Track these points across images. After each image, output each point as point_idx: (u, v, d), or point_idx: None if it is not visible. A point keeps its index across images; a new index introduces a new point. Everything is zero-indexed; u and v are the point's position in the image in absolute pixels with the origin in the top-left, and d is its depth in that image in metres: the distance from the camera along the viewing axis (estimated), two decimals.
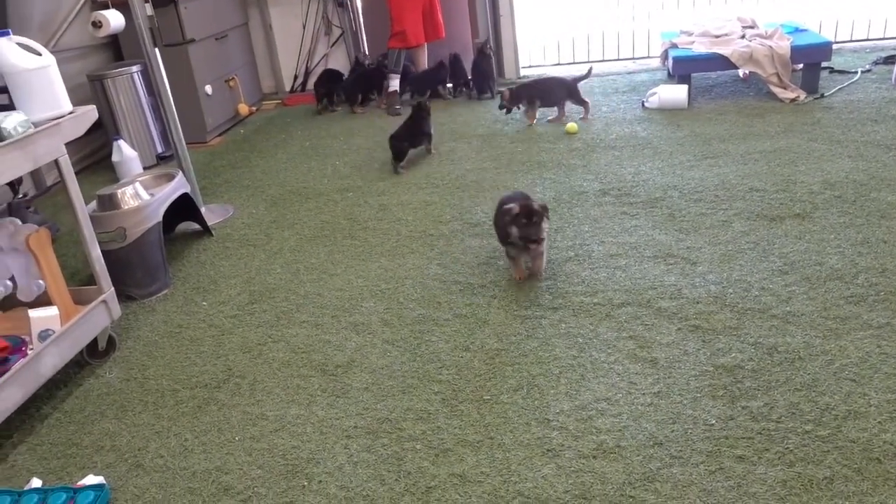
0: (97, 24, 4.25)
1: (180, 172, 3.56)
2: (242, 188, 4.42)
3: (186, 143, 4.14)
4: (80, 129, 2.61)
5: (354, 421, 2.20)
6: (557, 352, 2.40)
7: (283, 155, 4.97)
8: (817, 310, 2.44)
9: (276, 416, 2.27)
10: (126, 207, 3.15)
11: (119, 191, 3.18)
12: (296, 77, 6.46)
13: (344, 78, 5.85)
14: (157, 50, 3.73)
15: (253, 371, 2.53)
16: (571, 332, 2.51)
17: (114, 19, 4.29)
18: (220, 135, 5.61)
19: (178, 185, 3.44)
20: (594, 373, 2.27)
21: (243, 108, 5.86)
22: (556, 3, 6.65)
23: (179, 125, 3.90)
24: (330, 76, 5.82)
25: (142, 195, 3.23)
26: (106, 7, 4.63)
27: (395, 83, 5.58)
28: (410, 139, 4.40)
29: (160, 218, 3.22)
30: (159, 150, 5.19)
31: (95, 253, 2.66)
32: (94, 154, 5.21)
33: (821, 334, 2.31)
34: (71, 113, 2.57)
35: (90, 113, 2.65)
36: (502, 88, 5.08)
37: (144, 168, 4.88)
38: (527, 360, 2.38)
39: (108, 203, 3.15)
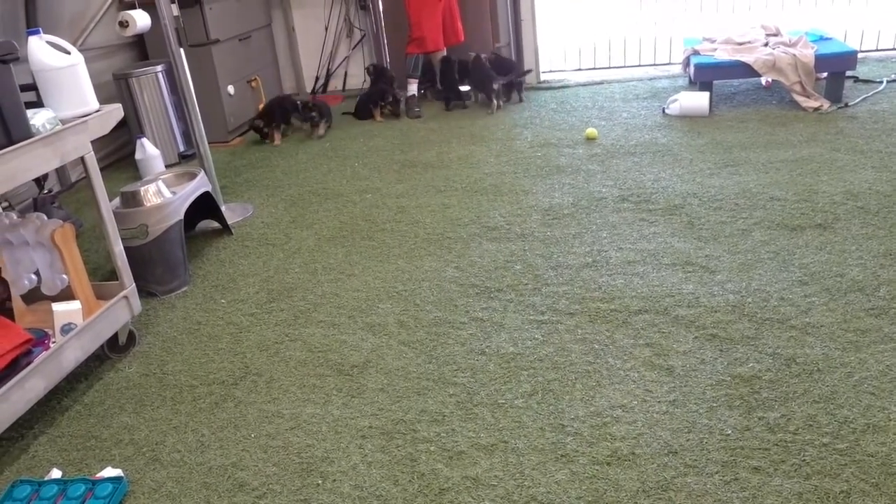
0: (124, 24, 4.32)
1: (202, 171, 3.60)
2: (262, 188, 4.46)
3: (208, 143, 4.18)
4: (107, 126, 2.65)
5: (369, 421, 2.21)
6: (573, 357, 2.40)
7: (303, 156, 5.00)
8: (837, 321, 2.42)
9: (291, 414, 2.29)
10: (148, 205, 3.19)
11: (142, 188, 3.22)
12: (317, 78, 6.50)
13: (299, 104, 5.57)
14: (181, 50, 3.77)
15: (270, 369, 2.55)
16: (588, 338, 2.50)
17: (140, 19, 4.36)
18: (241, 134, 5.66)
19: (199, 184, 3.48)
20: (610, 379, 2.27)
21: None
22: (578, 8, 6.63)
23: (202, 124, 3.94)
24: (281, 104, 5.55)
25: (164, 193, 3.27)
26: (133, 7, 4.71)
27: (413, 87, 5.60)
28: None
29: (182, 216, 3.26)
30: (181, 148, 5.25)
31: (118, 249, 2.69)
32: (118, 151, 5.28)
33: (840, 346, 2.29)
34: (97, 111, 2.62)
35: (116, 111, 2.69)
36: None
37: (166, 166, 4.94)
38: (542, 365, 2.38)
39: (132, 200, 3.19)
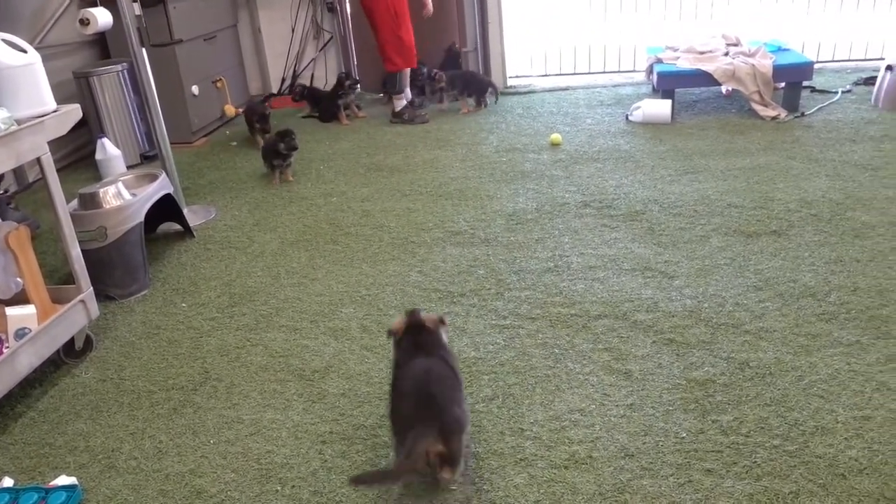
0: (85, 22, 4.24)
1: (163, 173, 3.56)
2: (226, 190, 4.42)
3: (171, 144, 4.13)
4: (64, 127, 2.61)
5: (330, 426, 2.21)
6: (534, 362, 2.43)
7: None
8: (789, 326, 2.48)
9: (251, 419, 2.28)
10: (108, 207, 3.14)
11: (101, 190, 3.17)
12: (283, 80, 6.46)
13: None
14: (143, 49, 3.72)
15: (230, 374, 2.53)
16: (548, 342, 2.53)
17: (101, 17, 4.28)
18: (205, 135, 5.60)
19: (160, 186, 3.43)
20: (569, 384, 2.30)
21: (230, 110, 5.86)
22: (545, 15, 6.69)
23: (164, 125, 3.90)
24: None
25: (124, 195, 3.22)
26: (94, 4, 4.63)
27: (402, 103, 5.45)
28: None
29: (142, 218, 3.21)
30: (144, 149, 5.17)
31: (75, 252, 2.65)
32: (77, 151, 5.18)
33: (792, 350, 2.35)
34: (55, 111, 2.57)
35: (74, 112, 2.64)
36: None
37: (128, 167, 4.87)
38: (503, 369, 2.41)
39: (90, 202, 3.14)
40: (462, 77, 5.70)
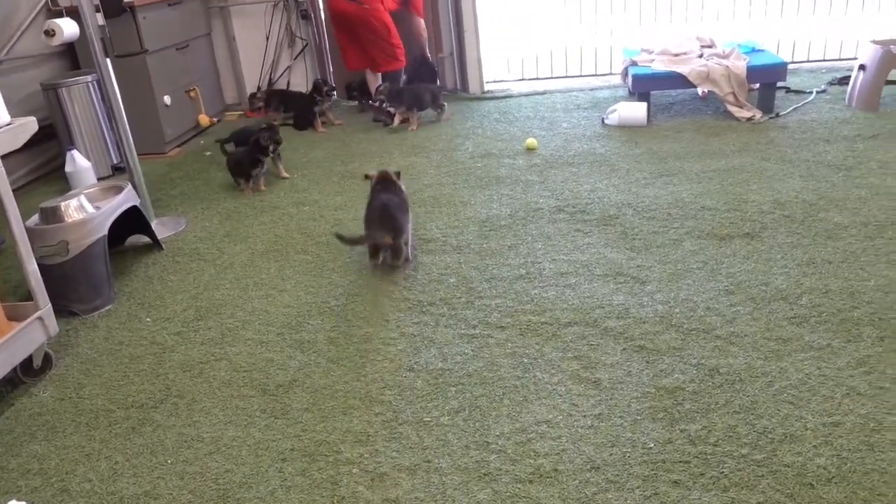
0: (50, 33, 4.19)
1: (129, 185, 3.49)
2: (197, 200, 4.35)
3: (144, 154, 4.08)
4: (18, 141, 2.55)
5: (291, 443, 2.15)
6: (502, 372, 2.38)
7: None
8: (760, 331, 2.45)
9: (211, 437, 2.22)
10: (69, 220, 3.07)
11: (63, 203, 3.10)
12: (258, 88, 6.39)
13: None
14: (108, 60, 3.66)
15: (192, 390, 2.47)
16: (517, 351, 2.49)
17: (67, 28, 4.23)
18: (179, 145, 5.53)
19: (125, 198, 3.37)
20: (537, 394, 2.25)
21: (204, 119, 5.78)
22: (522, 19, 6.67)
23: (131, 136, 3.85)
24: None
25: (86, 208, 3.15)
26: (61, 15, 4.57)
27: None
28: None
29: (105, 231, 3.14)
30: (115, 160, 5.09)
31: (31, 268, 2.58)
32: (47, 164, 5.09)
33: (762, 356, 2.32)
34: (8, 124, 2.51)
35: (28, 125, 2.58)
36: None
37: (99, 178, 4.79)
38: (471, 380, 2.36)
39: (51, 216, 3.07)
40: (404, 91, 5.40)
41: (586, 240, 3.27)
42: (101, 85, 3.70)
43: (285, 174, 4.41)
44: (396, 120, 5.35)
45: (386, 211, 3.08)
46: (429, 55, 5.77)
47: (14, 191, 4.76)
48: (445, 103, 5.48)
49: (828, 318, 2.48)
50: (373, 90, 5.59)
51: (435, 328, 2.69)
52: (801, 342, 2.36)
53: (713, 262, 2.95)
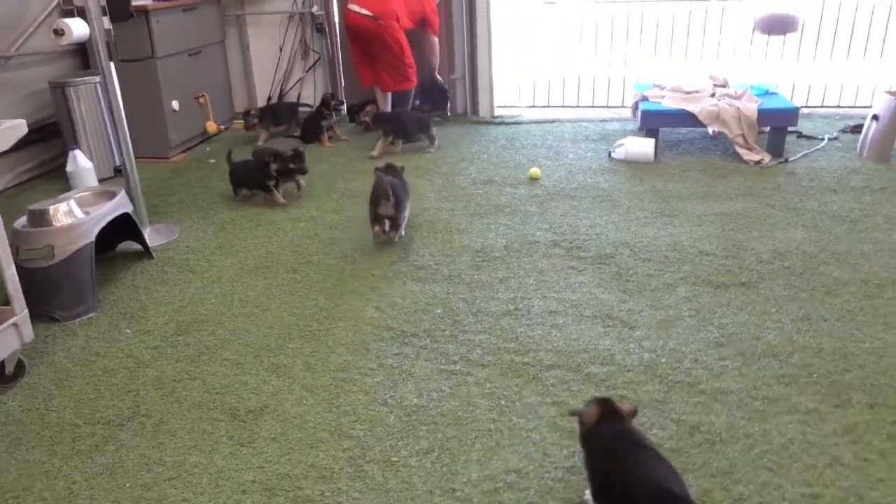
0: (59, 32, 4.17)
1: (122, 191, 3.47)
2: (195, 209, 4.33)
3: (148, 158, 4.03)
4: (5, 143, 2.52)
5: (254, 474, 2.09)
6: (477, 413, 2.32)
7: None
8: (747, 388, 2.37)
9: (174, 462, 2.16)
10: (57, 225, 3.05)
11: (52, 207, 3.07)
12: (269, 98, 6.39)
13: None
14: (112, 64, 3.65)
15: (161, 410, 2.42)
16: (496, 392, 2.42)
17: (77, 28, 4.21)
18: (184, 151, 5.52)
19: (117, 205, 3.34)
20: (510, 440, 2.19)
21: (211, 126, 5.78)
22: (535, 46, 6.65)
23: (136, 140, 3.84)
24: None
25: (76, 213, 3.13)
26: (73, 15, 4.57)
27: None
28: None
29: (93, 238, 3.11)
30: (118, 162, 5.07)
31: (9, 272, 2.55)
32: (51, 161, 5.09)
33: (746, 415, 2.24)
34: None
35: (17, 127, 2.56)
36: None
37: (100, 180, 4.79)
38: (444, 420, 2.30)
39: (39, 219, 3.04)
40: (392, 117, 5.31)
41: (579, 278, 3.21)
42: (105, 88, 3.69)
43: (283, 200, 4.32)
44: (377, 149, 5.13)
45: (392, 189, 3.52)
46: (439, 78, 5.74)
47: (16, 186, 4.82)
48: (435, 135, 5.22)
49: (818, 380, 2.40)
50: (381, 108, 5.58)
51: (415, 361, 2.63)
52: (787, 404, 2.29)
53: (706, 310, 2.88)
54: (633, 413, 1.89)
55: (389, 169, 3.78)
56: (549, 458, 2.10)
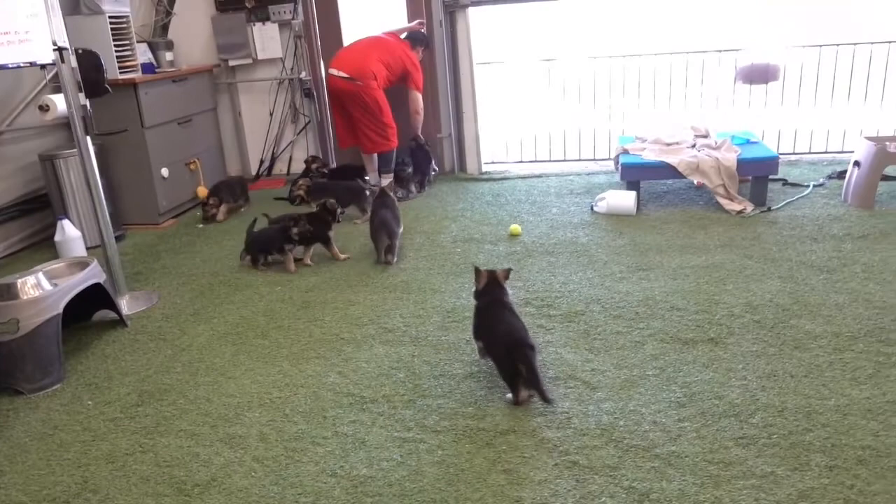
0: (44, 108, 4.30)
1: (94, 261, 3.51)
2: (177, 275, 4.36)
3: (137, 225, 4.06)
4: None
5: None
6: (424, 483, 2.26)
7: (229, 242, 4.93)
8: (703, 451, 2.30)
9: None
10: (24, 298, 3.08)
11: (19, 280, 3.11)
12: (261, 162, 6.51)
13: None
14: (88, 138, 3.75)
15: (108, 486, 2.39)
16: (446, 460, 2.37)
17: (61, 104, 4.33)
18: (174, 216, 5.60)
19: (88, 275, 3.38)
20: None
21: (202, 192, 5.86)
22: (520, 101, 6.74)
23: (107, 213, 3.92)
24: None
25: (43, 285, 3.17)
26: (60, 91, 4.70)
27: (388, 179, 5.52)
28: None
29: (59, 310, 3.14)
30: None
31: None
32: (41, 232, 5.18)
33: (699, 481, 2.16)
34: None
35: None
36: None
37: (89, 248, 4.85)
38: (390, 491, 2.24)
39: (5, 293, 3.08)
40: (326, 188, 5.17)
41: (547, 337, 3.17)
42: (82, 161, 3.77)
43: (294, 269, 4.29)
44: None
45: (386, 222, 4.21)
46: (422, 138, 5.81)
47: (5, 257, 4.90)
48: (367, 207, 4.91)
49: (778, 441, 2.32)
50: (369, 172, 5.64)
51: (370, 428, 2.59)
52: (743, 467, 2.21)
53: (671, 368, 2.82)
54: (507, 274, 2.99)
55: (382, 195, 4.42)
56: None
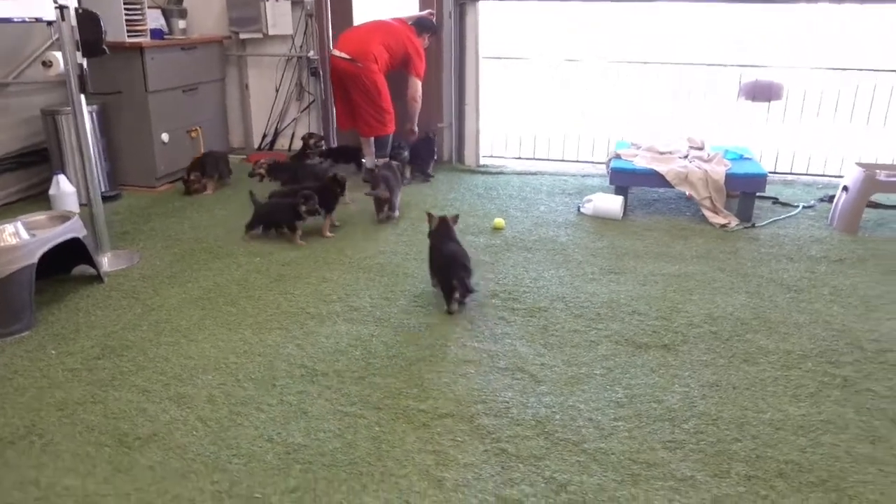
0: (47, 64, 4.38)
1: (76, 216, 3.59)
2: (162, 238, 4.45)
3: (135, 186, 4.15)
4: None
5: (118, 501, 2.12)
6: (355, 456, 2.33)
7: (220, 210, 5.01)
8: (630, 451, 2.35)
9: (47, 483, 2.21)
10: (1, 245, 3.17)
11: None
12: (264, 136, 6.59)
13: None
14: (82, 96, 3.83)
15: (54, 431, 2.47)
16: (381, 437, 2.43)
17: (63, 60, 4.42)
18: (171, 182, 5.69)
19: (68, 229, 3.46)
20: (378, 485, 2.19)
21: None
22: (523, 99, 6.76)
23: (97, 171, 3.99)
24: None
25: (21, 234, 3.25)
26: None
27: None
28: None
29: (34, 260, 3.22)
30: (103, 189, 5.25)
31: None
32: (38, 186, 5.29)
33: (619, 478, 2.21)
34: None
35: None
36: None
37: (82, 205, 4.95)
38: (322, 460, 2.31)
39: None
40: (287, 168, 5.24)
41: (505, 329, 3.22)
42: (74, 118, 3.86)
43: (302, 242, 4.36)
44: None
45: (387, 179, 4.64)
46: (433, 133, 5.84)
47: (2, 206, 5.01)
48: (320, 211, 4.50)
49: (704, 448, 2.36)
50: (366, 155, 5.70)
51: (315, 400, 2.66)
52: (665, 469, 2.25)
53: (619, 370, 2.86)
54: (455, 219, 3.72)
55: (387, 166, 4.91)
56: None
